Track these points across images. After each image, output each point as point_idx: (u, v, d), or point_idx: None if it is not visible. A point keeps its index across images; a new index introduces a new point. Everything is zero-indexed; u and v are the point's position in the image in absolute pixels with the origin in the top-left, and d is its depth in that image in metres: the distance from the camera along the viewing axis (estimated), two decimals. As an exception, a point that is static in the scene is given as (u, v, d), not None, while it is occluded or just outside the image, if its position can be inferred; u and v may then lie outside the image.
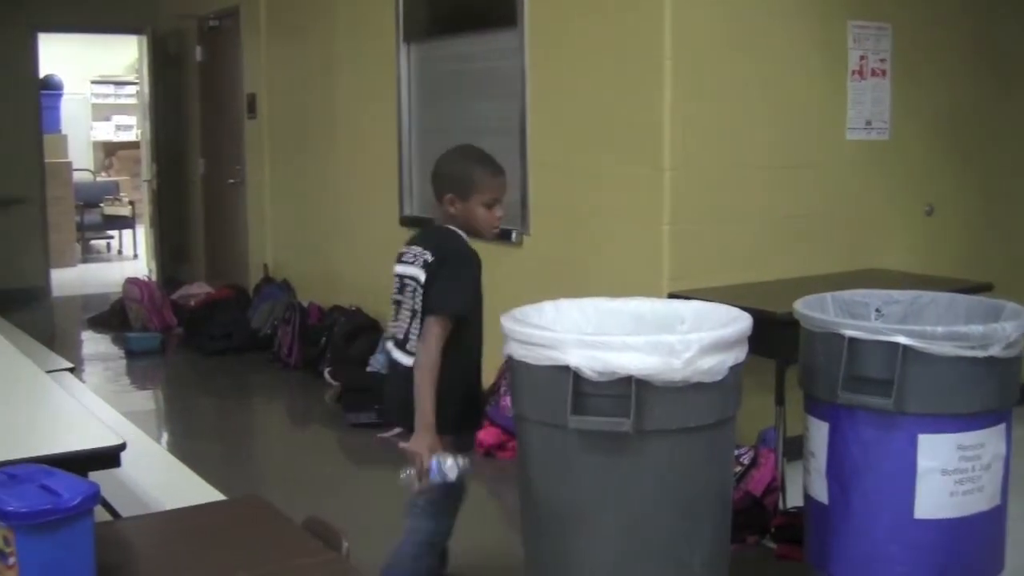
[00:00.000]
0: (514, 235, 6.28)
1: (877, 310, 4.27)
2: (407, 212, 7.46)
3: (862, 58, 5.98)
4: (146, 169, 12.43)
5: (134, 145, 15.73)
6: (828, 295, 4.22)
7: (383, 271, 7.87)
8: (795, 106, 5.78)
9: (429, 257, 3.67)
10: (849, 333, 3.70)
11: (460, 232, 3.76)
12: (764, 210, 5.71)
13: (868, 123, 6.04)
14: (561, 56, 6.00)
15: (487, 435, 5.91)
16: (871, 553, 3.79)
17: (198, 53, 10.96)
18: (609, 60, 5.65)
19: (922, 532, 3.72)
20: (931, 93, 6.31)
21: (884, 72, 6.08)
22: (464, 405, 3.76)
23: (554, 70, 6.06)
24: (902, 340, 3.58)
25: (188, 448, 6.39)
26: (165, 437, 6.92)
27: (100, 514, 2.98)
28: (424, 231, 3.96)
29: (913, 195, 6.28)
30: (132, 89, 16.05)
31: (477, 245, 3.76)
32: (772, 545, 4.64)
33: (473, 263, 3.73)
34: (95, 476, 2.83)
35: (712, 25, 5.45)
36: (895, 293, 4.34)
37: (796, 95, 5.78)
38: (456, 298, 3.64)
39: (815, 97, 5.87)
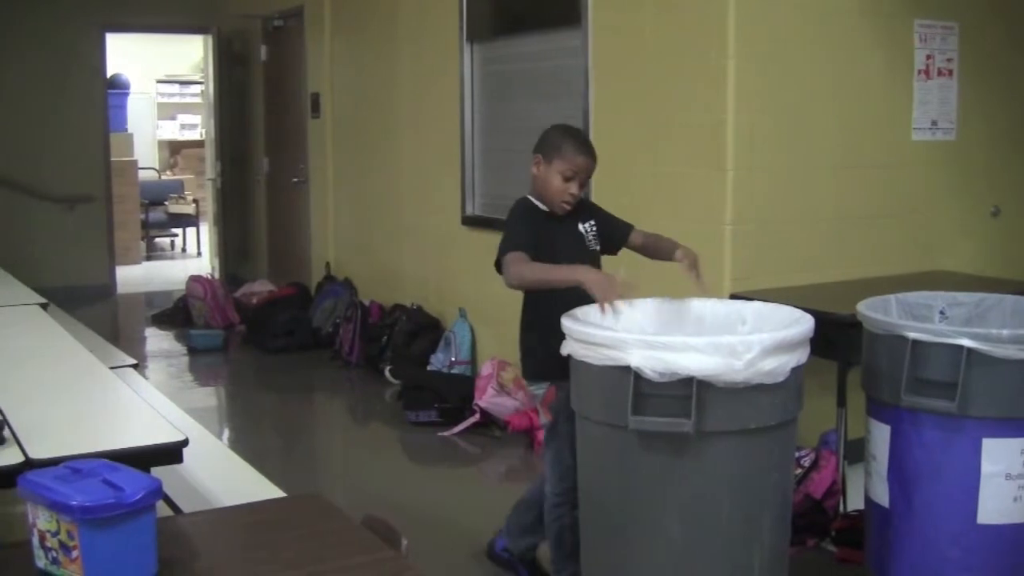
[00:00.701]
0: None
1: (941, 312, 4.23)
2: (469, 212, 7.46)
3: (928, 57, 5.92)
4: (210, 168, 12.53)
5: (199, 144, 15.86)
6: (892, 297, 4.18)
7: (445, 270, 7.92)
8: (860, 106, 5.73)
9: None
10: (912, 335, 3.66)
11: (531, 198, 4.05)
12: (827, 211, 5.67)
13: (934, 123, 5.98)
14: (624, 56, 5.98)
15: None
16: (932, 558, 3.75)
17: (262, 52, 11.03)
18: (672, 60, 5.63)
19: (985, 537, 3.68)
20: (998, 93, 6.24)
21: (951, 72, 6.02)
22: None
23: (617, 70, 6.04)
24: (966, 343, 3.55)
25: (249, 445, 6.44)
26: (227, 434, 6.97)
27: (162, 509, 3.01)
28: None
29: (979, 196, 6.22)
30: (197, 88, 16.18)
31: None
32: (832, 548, 4.61)
33: (513, 220, 4.01)
34: (157, 472, 2.86)
35: (776, 25, 5.41)
36: (960, 295, 4.29)
37: (861, 95, 5.73)
38: (506, 242, 3.91)
39: (880, 97, 5.82)
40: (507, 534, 4.43)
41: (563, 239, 4.01)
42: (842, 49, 5.64)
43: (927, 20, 5.90)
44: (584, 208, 4.13)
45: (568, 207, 4.00)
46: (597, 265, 4.04)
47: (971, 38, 6.07)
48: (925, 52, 5.91)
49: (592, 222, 4.12)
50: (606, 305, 3.62)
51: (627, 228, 4.23)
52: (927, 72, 5.93)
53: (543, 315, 3.89)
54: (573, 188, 3.96)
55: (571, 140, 4.00)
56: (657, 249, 4.19)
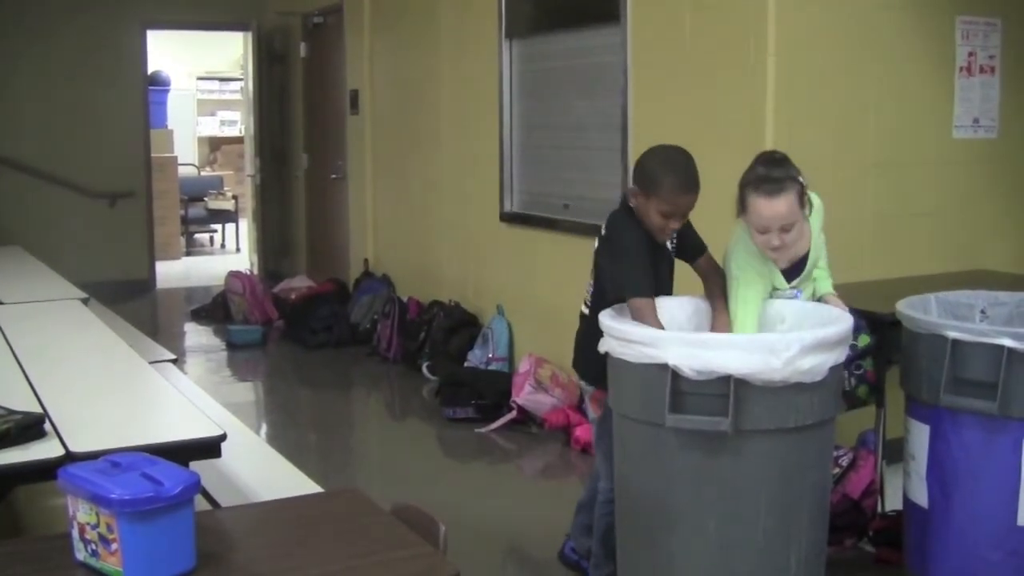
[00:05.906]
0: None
1: (982, 312, 4.19)
2: (508, 208, 7.46)
3: (970, 54, 5.88)
4: (250, 164, 12.58)
5: (238, 140, 15.92)
6: (932, 296, 4.15)
7: (483, 266, 7.92)
8: (901, 103, 5.69)
9: (601, 231, 3.92)
10: (953, 335, 3.64)
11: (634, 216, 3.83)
12: (867, 209, 5.64)
13: (976, 121, 5.94)
14: (664, 52, 5.96)
15: (584, 432, 5.91)
16: (972, 559, 3.73)
17: (302, 49, 11.07)
18: (712, 57, 5.61)
19: (1026, 539, 3.65)
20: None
21: (993, 69, 5.97)
22: None
23: (657, 66, 6.03)
24: (1007, 343, 3.52)
25: (287, 440, 6.47)
26: (265, 429, 6.99)
27: (200, 503, 3.02)
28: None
29: (1021, 194, 6.16)
30: (237, 85, 16.24)
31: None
32: (870, 549, 4.59)
33: (629, 248, 3.78)
34: (196, 466, 2.87)
35: (816, 22, 5.38)
36: (1001, 295, 4.26)
37: (902, 92, 5.69)
38: (631, 282, 3.72)
39: (921, 94, 5.78)
40: (573, 535, 4.43)
41: (658, 250, 3.89)
42: (883, 46, 5.60)
43: (969, 16, 5.85)
44: None
45: (668, 238, 3.90)
46: (671, 269, 4.02)
47: (1014, 35, 6.02)
48: (967, 49, 5.87)
49: None
50: None
51: (699, 250, 4.05)
52: (969, 69, 5.89)
53: None
54: (674, 224, 3.77)
55: (671, 177, 3.72)
56: (704, 283, 4.05)
